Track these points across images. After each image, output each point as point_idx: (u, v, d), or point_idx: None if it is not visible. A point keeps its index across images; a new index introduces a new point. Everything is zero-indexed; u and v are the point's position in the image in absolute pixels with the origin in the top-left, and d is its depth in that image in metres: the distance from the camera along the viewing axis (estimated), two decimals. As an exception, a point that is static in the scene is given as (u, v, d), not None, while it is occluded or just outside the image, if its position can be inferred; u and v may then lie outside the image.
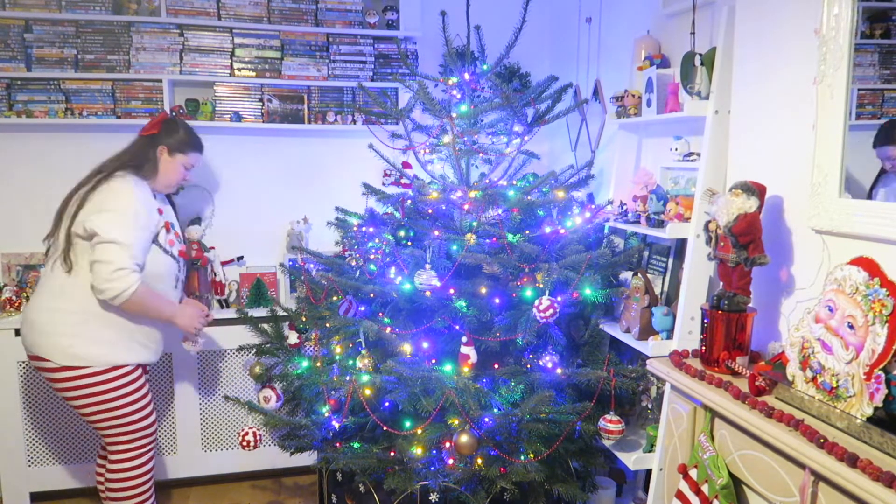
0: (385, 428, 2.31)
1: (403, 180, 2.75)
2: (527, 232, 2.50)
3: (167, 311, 2.42)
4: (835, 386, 1.48)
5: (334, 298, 2.58)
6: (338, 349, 2.52)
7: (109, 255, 2.20)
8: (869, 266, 1.46)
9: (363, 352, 2.36)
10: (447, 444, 2.21)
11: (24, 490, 3.03)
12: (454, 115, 2.55)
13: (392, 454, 2.33)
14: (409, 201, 2.58)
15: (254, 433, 2.55)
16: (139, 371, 2.45)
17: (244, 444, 2.53)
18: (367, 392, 2.28)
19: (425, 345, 2.35)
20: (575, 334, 2.59)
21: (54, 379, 2.34)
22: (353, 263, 2.58)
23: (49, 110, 3.11)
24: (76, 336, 2.30)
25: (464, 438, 2.13)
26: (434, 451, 2.28)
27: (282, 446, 2.70)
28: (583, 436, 2.39)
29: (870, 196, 1.66)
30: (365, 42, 3.40)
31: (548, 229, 2.46)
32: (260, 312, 3.14)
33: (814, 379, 1.55)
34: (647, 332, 2.34)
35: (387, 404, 2.36)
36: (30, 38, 3.06)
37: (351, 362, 2.41)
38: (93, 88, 3.14)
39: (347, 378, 2.36)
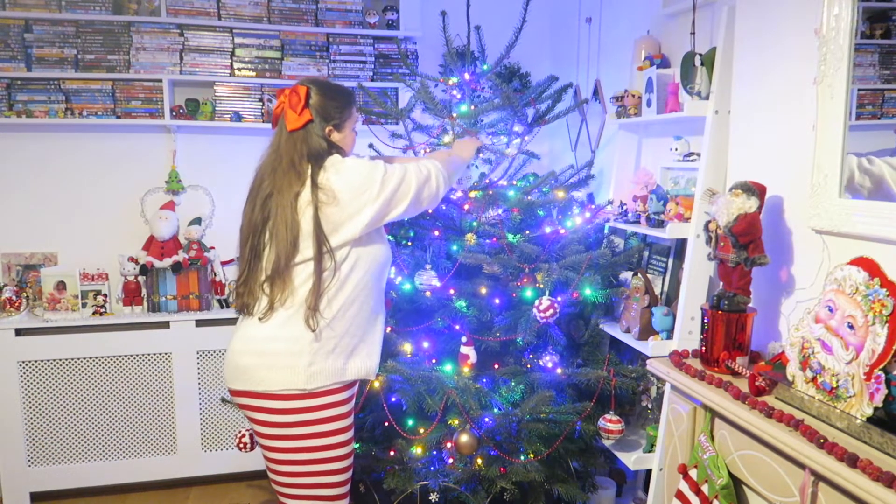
0: (387, 426, 2.30)
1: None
2: (527, 232, 2.50)
3: (459, 156, 2.21)
4: (835, 386, 1.48)
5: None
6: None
7: (410, 172, 1.90)
8: (869, 266, 1.46)
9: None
10: (447, 444, 2.21)
11: (24, 490, 3.03)
12: (454, 114, 2.55)
13: (392, 454, 2.33)
14: (409, 201, 2.57)
15: (250, 435, 2.55)
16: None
17: (241, 445, 2.52)
18: (376, 384, 2.28)
19: (425, 344, 2.35)
20: (575, 334, 2.59)
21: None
22: (353, 263, 2.58)
23: (49, 110, 3.11)
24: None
25: (464, 438, 2.13)
26: (434, 451, 2.28)
27: (282, 446, 2.70)
28: (583, 436, 2.39)
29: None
30: (365, 42, 3.40)
31: (548, 229, 2.46)
32: (260, 312, 3.13)
33: (814, 379, 1.55)
34: (647, 332, 2.34)
35: (394, 399, 2.36)
36: (30, 38, 3.06)
37: None
38: (93, 88, 3.14)
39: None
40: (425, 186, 1.92)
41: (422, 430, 2.27)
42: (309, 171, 1.83)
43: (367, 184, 1.82)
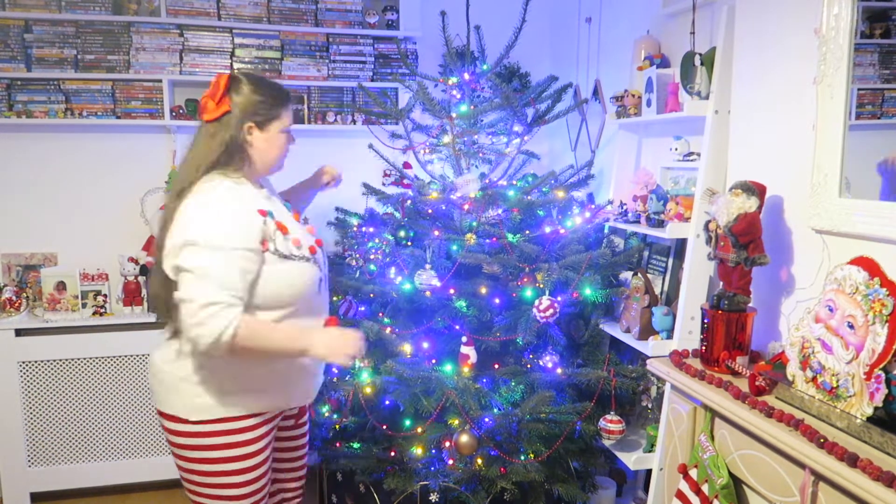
0: (385, 429, 2.31)
1: (404, 180, 2.75)
2: (527, 232, 2.50)
3: (296, 343, 1.70)
4: (835, 386, 1.48)
5: (334, 299, 2.58)
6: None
7: (191, 291, 1.55)
8: (869, 266, 1.46)
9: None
10: (447, 444, 2.21)
11: (24, 490, 3.03)
12: (454, 115, 2.55)
13: (392, 454, 2.33)
14: (409, 201, 2.58)
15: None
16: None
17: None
18: (368, 391, 2.28)
19: (425, 345, 2.35)
20: (575, 334, 2.59)
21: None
22: (353, 263, 2.58)
23: (49, 110, 3.10)
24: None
25: (464, 438, 2.13)
26: (434, 451, 2.28)
27: (282, 446, 2.70)
28: (583, 436, 2.39)
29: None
30: (365, 42, 3.40)
31: (548, 229, 2.46)
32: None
33: (814, 379, 1.55)
34: (647, 331, 2.34)
35: (387, 402, 2.36)
36: (30, 39, 3.06)
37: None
38: (93, 89, 3.14)
39: (348, 378, 2.36)
40: (198, 311, 1.53)
41: (419, 430, 2.27)
42: (198, 176, 1.65)
43: (182, 235, 1.58)
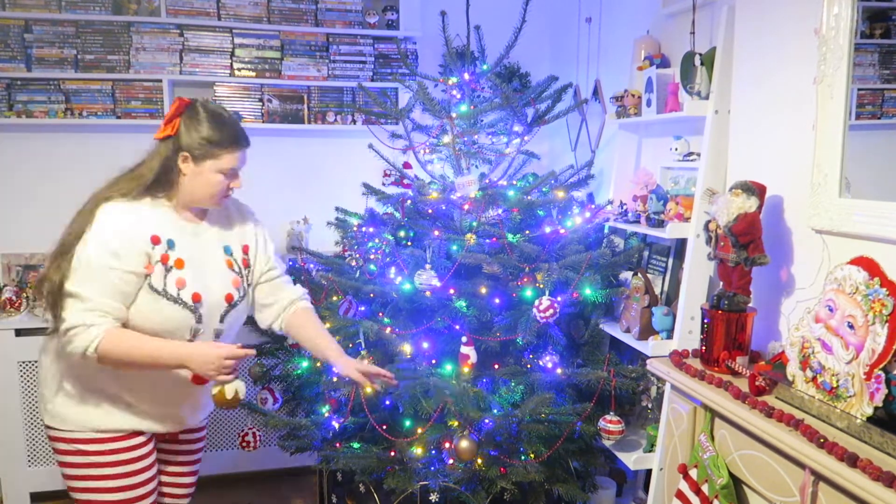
0: (384, 431, 2.30)
1: (404, 180, 2.75)
2: (527, 232, 2.50)
3: (170, 354, 1.70)
4: (835, 386, 1.48)
5: (334, 299, 2.58)
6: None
7: (64, 311, 1.62)
8: (869, 266, 1.46)
9: (362, 353, 2.36)
10: (447, 445, 2.21)
11: (24, 490, 3.03)
12: (454, 115, 2.55)
13: (392, 454, 2.33)
14: (409, 201, 2.58)
15: (253, 433, 2.55)
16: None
17: (244, 444, 2.52)
18: (368, 391, 2.28)
19: (425, 345, 2.35)
20: (575, 334, 2.59)
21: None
22: (353, 263, 2.58)
23: (49, 110, 3.11)
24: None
25: (464, 444, 2.13)
26: (434, 451, 2.28)
27: (282, 446, 2.70)
28: (583, 436, 2.39)
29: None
30: (365, 42, 3.40)
31: (548, 229, 2.46)
32: (260, 312, 3.13)
33: (814, 379, 1.55)
34: (647, 332, 2.34)
35: (387, 402, 2.36)
36: (30, 38, 3.06)
37: None
38: (93, 89, 3.14)
39: (348, 378, 2.35)
40: (67, 332, 1.61)
41: (419, 431, 2.27)
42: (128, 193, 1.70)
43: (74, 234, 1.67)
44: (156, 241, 1.69)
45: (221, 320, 1.81)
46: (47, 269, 1.66)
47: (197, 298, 1.73)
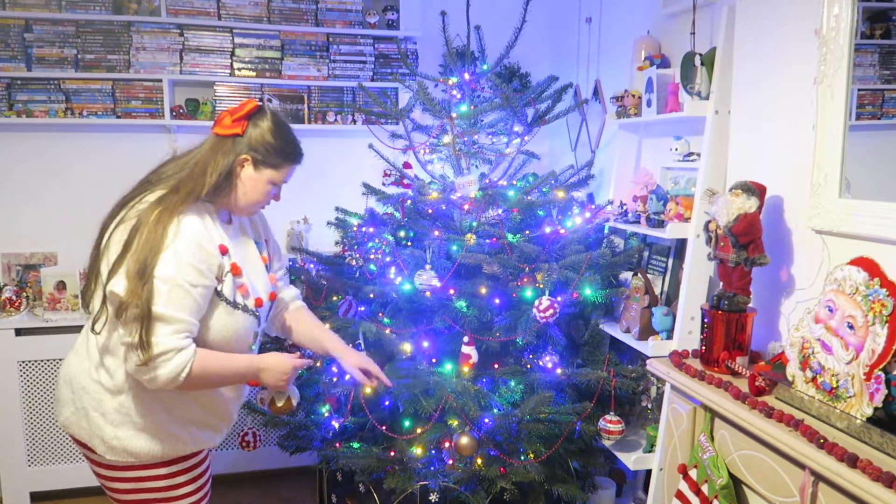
0: (384, 430, 2.30)
1: (404, 180, 2.75)
2: (527, 232, 2.50)
3: (246, 368, 1.64)
4: (835, 386, 1.48)
5: (334, 298, 2.58)
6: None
7: (153, 336, 1.47)
8: (869, 266, 1.46)
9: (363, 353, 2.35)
10: (447, 445, 2.21)
11: (24, 490, 3.03)
12: (454, 115, 2.55)
13: (392, 454, 2.33)
14: (409, 201, 2.58)
15: (253, 433, 2.55)
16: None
17: (244, 444, 2.53)
18: (367, 391, 2.28)
19: (425, 345, 2.35)
20: (575, 334, 2.59)
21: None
22: (353, 263, 2.58)
23: (49, 110, 3.11)
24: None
25: (464, 440, 2.13)
26: (434, 451, 2.28)
27: (282, 446, 2.70)
28: (583, 436, 2.39)
29: None
30: (365, 42, 3.40)
31: (548, 229, 2.46)
32: (260, 312, 3.14)
33: (814, 379, 1.55)
34: (647, 332, 2.34)
35: (387, 403, 2.36)
36: (30, 38, 3.06)
37: None
38: (93, 88, 3.14)
39: (348, 378, 2.35)
40: (154, 360, 1.46)
41: (419, 431, 2.27)
42: (184, 201, 1.55)
43: (137, 264, 1.47)
44: (223, 250, 1.60)
45: (260, 322, 1.75)
46: (128, 294, 1.45)
47: (259, 304, 1.68)
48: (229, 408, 1.74)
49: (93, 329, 1.55)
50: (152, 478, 1.64)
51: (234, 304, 1.61)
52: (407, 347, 2.34)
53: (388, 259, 2.45)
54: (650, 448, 2.37)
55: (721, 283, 1.92)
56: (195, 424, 1.66)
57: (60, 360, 2.99)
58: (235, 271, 1.61)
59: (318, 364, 2.58)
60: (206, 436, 1.70)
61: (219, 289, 1.58)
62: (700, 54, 2.25)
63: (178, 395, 1.60)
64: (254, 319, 1.68)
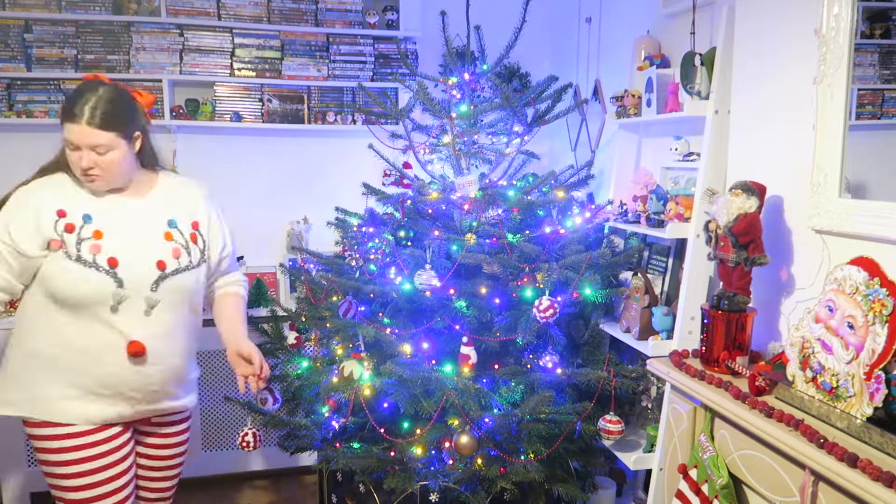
0: (383, 433, 2.30)
1: (404, 180, 2.75)
2: (527, 232, 2.50)
3: None
4: (835, 386, 1.48)
5: (334, 299, 2.58)
6: (338, 350, 2.52)
7: None
8: (869, 266, 1.46)
9: (363, 355, 2.35)
10: (447, 445, 2.21)
11: (24, 490, 3.03)
12: (454, 115, 2.55)
13: (392, 454, 2.33)
14: (409, 201, 2.57)
15: (253, 434, 2.55)
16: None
17: (244, 444, 2.52)
18: (367, 392, 2.28)
19: (425, 345, 2.35)
20: (575, 334, 2.59)
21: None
22: (353, 263, 2.58)
23: (49, 110, 3.11)
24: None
25: (464, 439, 2.13)
26: (434, 451, 2.28)
27: (282, 446, 2.70)
28: (583, 436, 2.39)
29: None
30: (365, 42, 3.41)
31: (548, 229, 2.46)
32: (260, 313, 3.14)
33: (814, 379, 1.55)
34: (647, 332, 2.34)
35: (386, 405, 2.36)
36: (30, 38, 3.06)
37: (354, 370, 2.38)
38: (93, 88, 3.14)
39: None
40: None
41: (419, 432, 2.27)
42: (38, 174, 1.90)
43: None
44: (61, 214, 1.74)
45: (154, 289, 1.79)
46: None
47: (113, 263, 1.74)
48: (119, 379, 1.77)
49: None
50: (37, 437, 1.78)
51: (77, 259, 1.72)
52: (407, 348, 2.34)
53: (388, 259, 2.45)
54: (650, 448, 2.37)
55: (721, 283, 1.92)
56: (75, 387, 1.75)
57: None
58: (95, 235, 1.75)
59: (319, 365, 2.58)
60: (92, 407, 1.77)
61: (62, 248, 1.72)
62: (700, 54, 2.25)
63: (55, 349, 1.74)
64: (104, 276, 1.73)
